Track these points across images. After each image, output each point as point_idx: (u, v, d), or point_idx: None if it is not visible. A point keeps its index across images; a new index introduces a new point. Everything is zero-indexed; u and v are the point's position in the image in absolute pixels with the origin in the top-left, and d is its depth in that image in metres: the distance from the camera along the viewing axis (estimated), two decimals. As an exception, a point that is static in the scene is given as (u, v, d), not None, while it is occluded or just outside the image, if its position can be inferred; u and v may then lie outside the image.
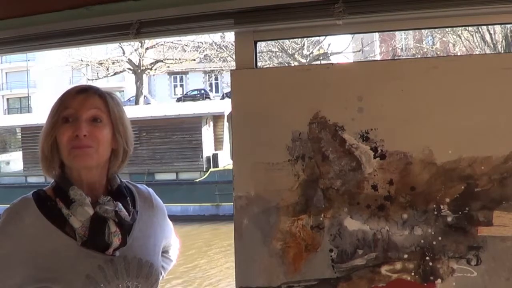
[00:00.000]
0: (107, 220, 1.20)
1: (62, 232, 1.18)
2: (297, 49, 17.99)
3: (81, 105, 1.22)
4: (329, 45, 18.95)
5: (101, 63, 21.70)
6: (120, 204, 1.24)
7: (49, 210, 1.20)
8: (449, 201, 1.40)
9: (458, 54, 13.47)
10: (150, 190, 1.42)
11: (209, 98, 23.78)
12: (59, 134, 1.22)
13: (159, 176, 14.91)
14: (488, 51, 14.66)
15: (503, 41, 15.29)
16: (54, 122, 1.22)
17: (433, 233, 1.41)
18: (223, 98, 22.80)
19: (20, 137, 17.28)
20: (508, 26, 12.67)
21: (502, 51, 14.51)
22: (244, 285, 1.53)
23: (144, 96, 22.42)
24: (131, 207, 1.28)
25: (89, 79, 22.33)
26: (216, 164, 15.10)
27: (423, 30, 14.12)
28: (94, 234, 1.18)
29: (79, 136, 1.19)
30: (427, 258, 1.41)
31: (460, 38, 16.27)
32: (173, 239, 1.51)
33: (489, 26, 13.96)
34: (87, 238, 1.18)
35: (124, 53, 20.81)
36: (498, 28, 14.54)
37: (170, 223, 1.47)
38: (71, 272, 1.16)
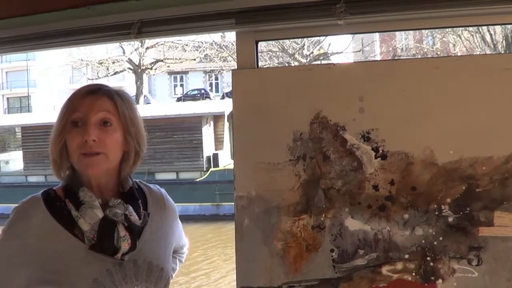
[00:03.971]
0: (116, 224, 1.18)
1: (71, 234, 1.16)
2: (298, 49, 17.98)
3: (90, 108, 1.18)
4: (329, 45, 18.95)
5: (101, 63, 21.69)
6: (130, 207, 1.21)
7: (58, 210, 1.17)
8: (450, 202, 1.40)
9: (459, 54, 13.46)
10: (163, 190, 1.39)
11: (209, 98, 23.76)
12: (68, 139, 1.18)
13: (160, 176, 14.89)
14: (488, 52, 14.65)
15: (503, 41, 15.28)
16: (63, 126, 1.19)
17: (434, 233, 1.41)
18: (223, 98, 22.80)
19: (19, 136, 17.26)
20: (509, 26, 12.67)
21: (503, 52, 14.51)
22: (245, 285, 1.53)
23: (144, 96, 22.40)
24: (142, 209, 1.25)
25: (89, 79, 22.34)
26: (216, 164, 15.09)
27: (423, 30, 14.10)
28: (103, 238, 1.16)
29: (88, 141, 1.16)
30: (428, 258, 1.41)
31: (461, 38, 16.26)
32: (183, 240, 1.49)
33: (490, 27, 13.95)
34: (96, 242, 1.16)
35: (124, 52, 20.80)
36: (498, 28, 14.53)
37: (180, 223, 1.45)
38: (78, 276, 1.14)
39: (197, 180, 14.99)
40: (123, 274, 1.18)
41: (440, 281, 1.40)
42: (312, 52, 18.52)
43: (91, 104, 1.19)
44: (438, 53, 17.44)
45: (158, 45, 20.95)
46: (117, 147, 1.22)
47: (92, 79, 22.01)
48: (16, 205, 1.20)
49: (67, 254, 1.15)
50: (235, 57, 1.65)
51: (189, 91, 26.11)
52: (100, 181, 1.22)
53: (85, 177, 1.21)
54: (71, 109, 1.19)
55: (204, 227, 13.12)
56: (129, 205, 1.22)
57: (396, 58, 15.74)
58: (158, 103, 23.23)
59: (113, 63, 21.53)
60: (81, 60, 21.62)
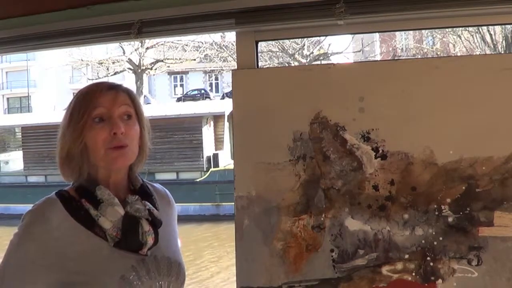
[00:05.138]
0: (139, 220, 1.18)
1: (92, 233, 1.15)
2: (298, 49, 17.97)
3: (113, 103, 1.18)
4: (329, 45, 18.94)
5: (101, 63, 21.68)
6: (148, 203, 1.23)
7: (75, 211, 1.16)
8: (450, 202, 1.40)
9: (459, 54, 13.46)
10: (166, 189, 1.40)
11: (209, 98, 23.75)
12: (91, 136, 1.16)
13: (160, 176, 14.88)
14: (488, 52, 14.65)
15: (503, 41, 15.27)
16: (84, 124, 1.16)
17: (434, 233, 1.41)
18: (223, 98, 22.80)
19: (19, 136, 17.26)
20: (509, 26, 12.67)
21: (503, 52, 14.51)
22: (245, 285, 1.53)
23: (144, 96, 22.39)
24: (157, 205, 1.27)
25: (89, 79, 22.31)
26: (216, 164, 15.10)
27: (423, 31, 14.10)
28: (128, 234, 1.16)
29: (117, 134, 1.16)
30: (428, 258, 1.41)
31: (460, 39, 16.25)
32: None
33: (489, 27, 13.94)
34: (120, 239, 1.15)
35: (124, 52, 20.78)
36: (498, 28, 14.53)
37: None
38: (105, 274, 1.13)
39: (197, 180, 15.00)
40: (147, 269, 1.18)
41: (440, 281, 1.40)
42: (312, 52, 18.51)
43: (113, 98, 1.19)
44: (438, 53, 17.43)
45: (158, 45, 20.92)
46: (137, 140, 1.23)
47: (92, 79, 21.96)
48: (31, 207, 1.17)
49: (90, 254, 1.14)
50: (235, 57, 1.65)
51: (189, 91, 26.09)
52: (118, 177, 1.22)
53: (103, 175, 1.20)
54: (91, 106, 1.18)
55: (204, 227, 13.13)
56: (145, 201, 1.23)
57: (396, 58, 15.74)
58: (158, 103, 23.21)
59: (113, 63, 21.50)
60: (81, 60, 21.60)
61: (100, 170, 1.20)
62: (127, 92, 1.25)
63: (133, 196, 1.22)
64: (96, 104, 1.18)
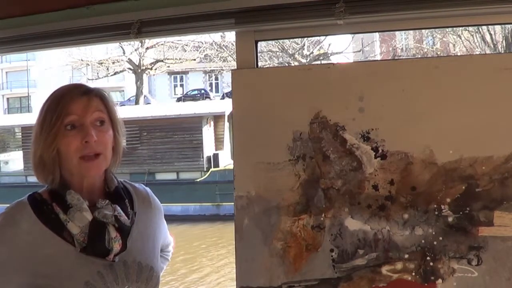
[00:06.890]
0: (106, 226, 1.17)
1: (60, 237, 1.15)
2: (298, 49, 17.99)
3: (85, 110, 1.17)
4: (329, 45, 18.96)
5: (101, 63, 21.70)
6: (118, 208, 1.21)
7: (45, 215, 1.16)
8: (450, 201, 1.40)
9: (459, 54, 13.46)
10: (148, 189, 1.39)
11: (209, 98, 23.78)
12: (64, 143, 1.16)
13: (160, 176, 14.91)
14: (488, 52, 14.66)
15: (503, 41, 15.28)
16: (56, 131, 1.16)
17: (434, 233, 1.41)
18: (223, 98, 22.83)
19: (19, 136, 17.25)
20: (509, 26, 12.67)
21: (502, 52, 14.51)
22: (244, 284, 1.53)
23: (144, 96, 22.41)
24: (129, 209, 1.25)
25: (89, 79, 22.32)
26: (216, 164, 15.10)
27: (423, 30, 14.13)
28: (94, 240, 1.15)
29: (89, 142, 1.15)
30: (428, 258, 1.41)
31: (460, 38, 16.28)
32: (168, 238, 1.49)
33: (489, 27, 13.96)
34: (87, 244, 1.15)
35: (124, 52, 20.80)
36: (498, 28, 14.54)
37: (165, 222, 1.44)
38: (69, 279, 1.13)
39: (198, 180, 15.00)
40: (114, 275, 1.17)
41: (440, 281, 1.40)
42: (312, 52, 18.52)
43: (85, 105, 1.18)
44: (438, 53, 17.45)
45: (158, 45, 20.94)
46: (110, 145, 1.22)
47: (92, 79, 21.99)
48: (2, 211, 1.18)
49: (57, 259, 1.14)
50: (235, 57, 1.65)
51: (189, 91, 26.11)
52: (92, 181, 1.22)
53: (77, 180, 1.20)
54: (63, 113, 1.17)
55: (204, 227, 13.13)
56: (116, 205, 1.21)
57: (396, 58, 15.75)
58: (158, 103, 23.22)
59: (113, 63, 21.53)
60: (81, 60, 21.62)
61: (74, 175, 1.20)
62: (101, 97, 1.23)
63: (103, 201, 1.20)
64: (68, 111, 1.17)
